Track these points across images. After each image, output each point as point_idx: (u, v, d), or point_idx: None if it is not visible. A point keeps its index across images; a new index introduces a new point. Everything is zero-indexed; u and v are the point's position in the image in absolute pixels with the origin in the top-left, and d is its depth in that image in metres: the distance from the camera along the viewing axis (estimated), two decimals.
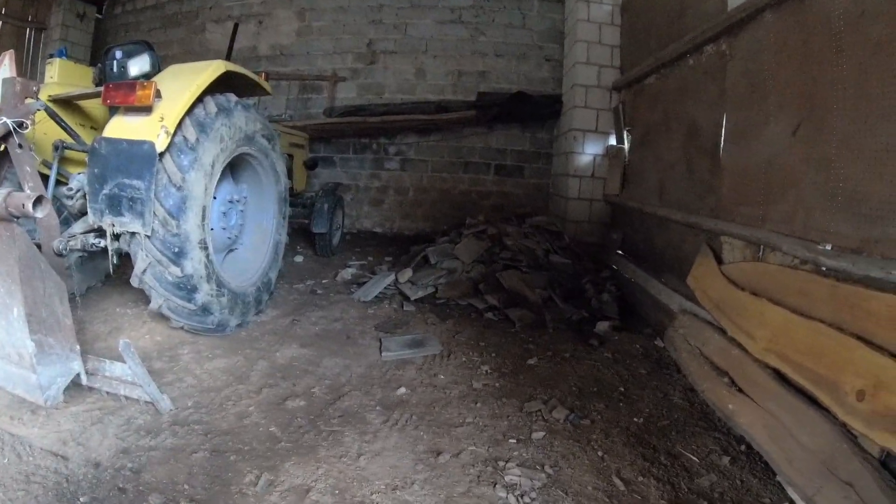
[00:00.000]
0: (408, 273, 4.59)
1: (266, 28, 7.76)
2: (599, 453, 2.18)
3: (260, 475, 2.22)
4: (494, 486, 2.04)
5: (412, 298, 4.27)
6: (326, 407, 2.74)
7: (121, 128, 3.39)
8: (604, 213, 5.08)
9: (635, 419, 2.43)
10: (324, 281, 4.84)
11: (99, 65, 4.44)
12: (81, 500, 2.15)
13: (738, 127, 2.99)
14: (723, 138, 3.11)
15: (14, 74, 3.91)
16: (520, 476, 2.07)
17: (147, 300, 3.61)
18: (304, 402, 2.79)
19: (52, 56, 4.44)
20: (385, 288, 4.52)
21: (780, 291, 2.34)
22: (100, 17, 9.13)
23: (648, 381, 2.80)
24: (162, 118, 3.29)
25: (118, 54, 4.23)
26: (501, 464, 2.16)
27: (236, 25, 5.83)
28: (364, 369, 3.16)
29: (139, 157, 3.28)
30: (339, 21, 7.41)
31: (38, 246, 2.91)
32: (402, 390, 2.88)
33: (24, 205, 2.30)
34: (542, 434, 2.35)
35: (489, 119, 6.59)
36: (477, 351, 3.34)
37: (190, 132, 3.36)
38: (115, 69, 4.20)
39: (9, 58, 4.06)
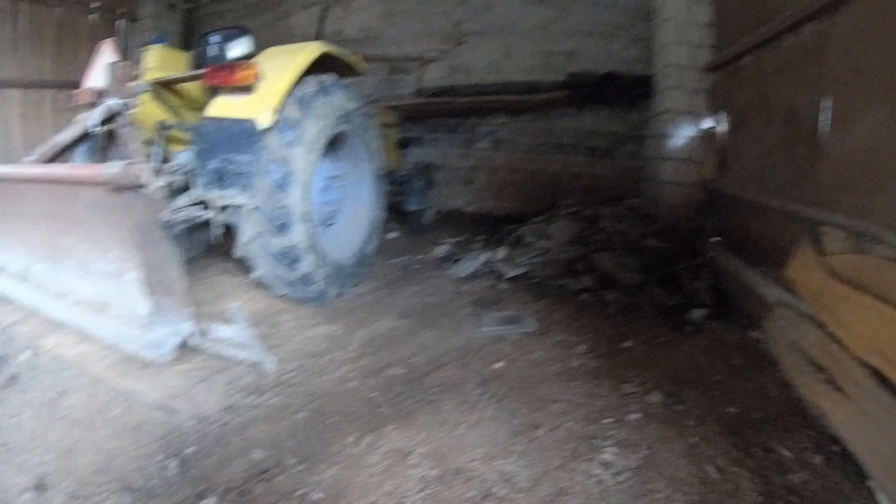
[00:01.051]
0: (502, 251, 4.66)
1: (352, 11, 7.94)
2: (693, 440, 2.22)
3: (361, 437, 2.32)
4: (590, 462, 2.09)
5: (507, 276, 4.34)
6: (425, 376, 2.84)
7: (225, 107, 3.58)
8: (698, 198, 4.97)
9: (729, 409, 2.45)
10: (418, 257, 4.98)
11: (195, 49, 4.70)
12: (188, 450, 2.32)
13: (839, 111, 2.86)
14: (823, 123, 2.99)
15: (115, 60, 4.21)
16: (616, 455, 2.12)
17: (247, 270, 3.83)
18: (404, 371, 2.90)
19: (150, 43, 4.74)
20: (479, 266, 4.59)
21: (884, 286, 2.25)
22: (189, 6, 9.63)
23: (743, 372, 2.80)
24: (265, 97, 3.43)
25: (215, 38, 4.48)
26: (597, 442, 2.22)
27: (324, 9, 6.04)
28: (461, 342, 3.24)
29: (244, 134, 3.45)
30: (424, 2, 7.49)
31: None
32: (499, 364, 2.95)
33: (142, 176, 2.49)
34: (637, 416, 2.40)
35: (580, 100, 6.52)
36: (572, 331, 3.39)
37: (293, 110, 3.49)
38: (212, 53, 4.45)
39: (109, 45, 4.44)
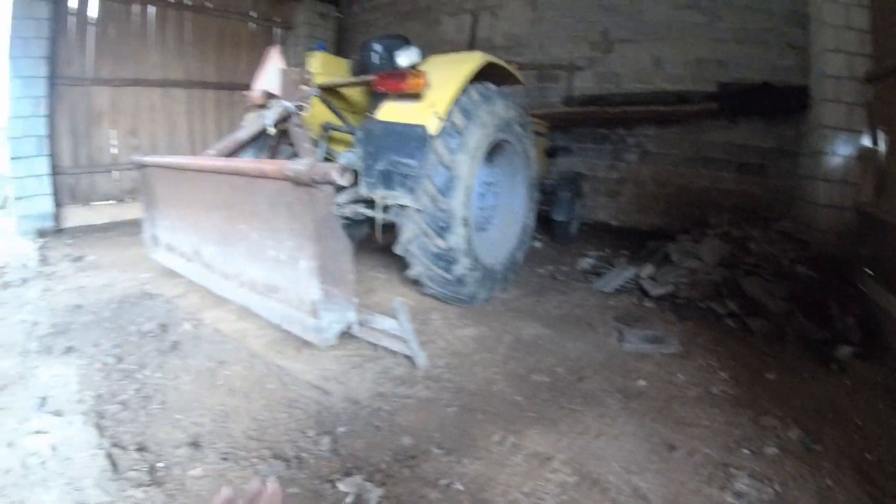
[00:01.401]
0: (648, 268, 4.69)
1: (500, 19, 8.10)
2: (828, 481, 2.22)
3: (505, 437, 2.44)
4: (723, 490, 2.14)
5: (652, 294, 4.38)
6: (568, 386, 2.96)
7: (393, 112, 3.76)
8: (853, 224, 4.65)
9: (867, 455, 2.42)
10: (563, 268, 5.06)
11: (355, 56, 4.98)
12: (340, 429, 2.52)
13: None
14: None
15: (283, 66, 4.55)
16: (749, 487, 2.16)
17: (398, 267, 4.03)
18: (548, 378, 3.03)
19: (312, 49, 5.05)
20: (624, 281, 4.64)
21: None
22: (340, 16, 10.22)
23: (887, 417, 2.73)
24: (433, 104, 3.58)
25: (378, 46, 4.67)
26: (732, 471, 2.26)
27: (476, 18, 6.18)
28: (604, 356, 3.34)
29: (412, 139, 3.61)
30: (572, 9, 7.45)
31: None
32: (642, 382, 3.04)
33: (329, 173, 2.58)
34: (774, 450, 2.43)
35: (732, 112, 6.26)
36: (715, 356, 3.41)
37: (458, 118, 3.64)
38: (375, 60, 4.65)
39: (276, 52, 4.75)
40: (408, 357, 3.15)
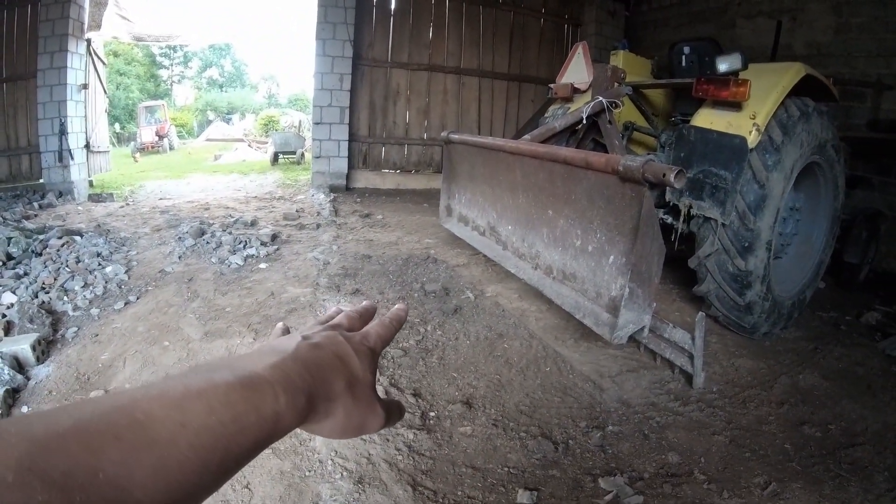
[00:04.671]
0: None
1: (800, 24, 7.32)
2: None
3: (768, 482, 2.35)
4: None
5: None
6: (838, 448, 2.72)
7: (710, 119, 3.61)
8: None
9: None
10: (847, 317, 4.56)
11: (655, 57, 4.88)
12: (609, 427, 2.56)
13: None
14: None
15: (589, 62, 4.63)
16: None
17: (677, 279, 3.89)
18: (819, 434, 2.82)
19: (616, 48, 4.99)
20: None
21: None
22: (628, 14, 10.12)
23: None
24: (754, 115, 3.36)
25: (686, 49, 4.50)
26: None
27: (779, 24, 5.62)
28: (880, 426, 3.00)
29: (729, 150, 3.43)
30: (881, 18, 6.40)
31: None
32: None
33: (665, 173, 2.44)
34: None
35: None
36: None
37: (776, 133, 3.40)
38: (683, 63, 4.50)
39: (582, 48, 4.80)
40: (684, 373, 3.10)
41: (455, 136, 4.58)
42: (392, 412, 0.52)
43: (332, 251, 4.82)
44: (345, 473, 2.22)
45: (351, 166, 8.72)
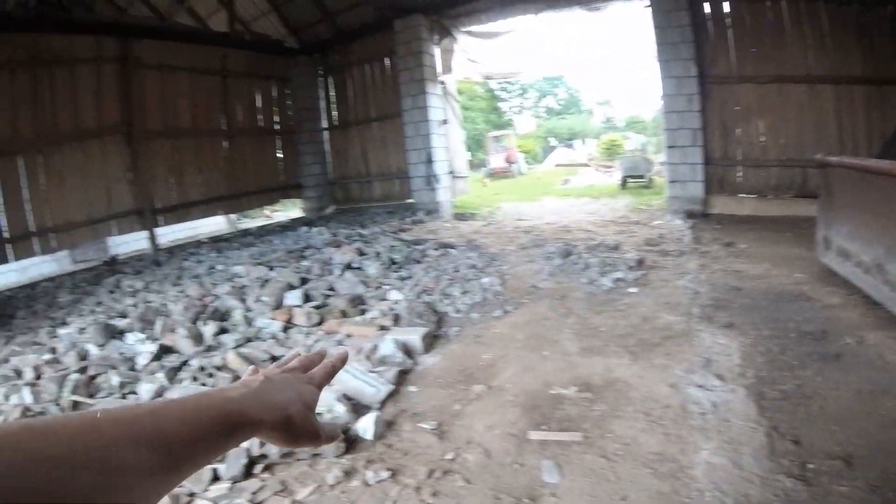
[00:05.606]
0: None
1: None
2: None
3: None
4: None
5: None
6: None
7: None
8: None
9: None
10: None
11: None
12: None
13: None
14: None
15: None
16: None
17: None
18: None
19: None
20: None
21: None
22: None
23: None
24: None
25: None
26: None
27: None
28: None
29: None
30: None
31: None
32: None
33: None
34: None
35: None
36: None
37: None
38: None
39: None
40: None
41: (833, 159, 4.28)
42: (329, 434, 0.64)
43: (699, 280, 4.82)
44: None
45: (707, 191, 8.49)
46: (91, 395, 3.54)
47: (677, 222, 7.69)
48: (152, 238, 10.21)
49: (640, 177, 14.96)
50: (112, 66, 9.58)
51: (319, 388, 0.66)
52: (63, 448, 0.38)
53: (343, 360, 0.74)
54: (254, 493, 2.38)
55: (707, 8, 8.30)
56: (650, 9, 8.42)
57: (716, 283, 4.70)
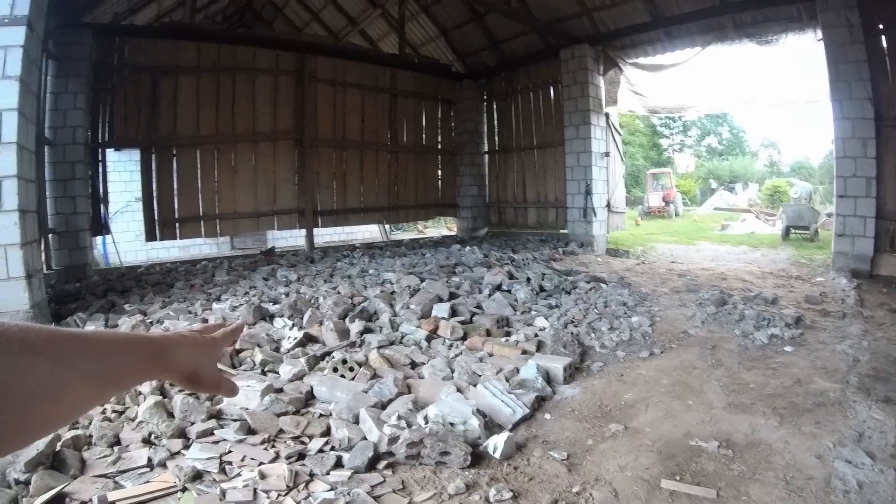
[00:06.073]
0: None
1: None
2: None
3: None
4: None
5: None
6: None
7: None
8: None
9: None
10: None
11: None
12: None
13: None
14: None
15: None
16: None
17: None
18: None
19: None
20: None
21: None
22: None
23: None
24: None
25: None
26: None
27: None
28: None
29: None
30: None
31: None
32: None
33: None
34: None
35: None
36: None
37: None
38: None
39: None
40: None
41: None
42: (228, 387, 0.77)
43: (861, 347, 4.33)
44: None
45: (876, 248, 7.49)
46: (233, 367, 3.78)
47: (842, 281, 6.88)
48: (309, 237, 10.98)
49: (805, 228, 13.76)
50: (288, 77, 10.53)
51: (219, 343, 0.78)
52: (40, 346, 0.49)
53: (240, 329, 0.86)
54: (373, 487, 2.39)
55: (884, 42, 7.20)
56: (822, 42, 7.53)
57: (877, 351, 4.18)
